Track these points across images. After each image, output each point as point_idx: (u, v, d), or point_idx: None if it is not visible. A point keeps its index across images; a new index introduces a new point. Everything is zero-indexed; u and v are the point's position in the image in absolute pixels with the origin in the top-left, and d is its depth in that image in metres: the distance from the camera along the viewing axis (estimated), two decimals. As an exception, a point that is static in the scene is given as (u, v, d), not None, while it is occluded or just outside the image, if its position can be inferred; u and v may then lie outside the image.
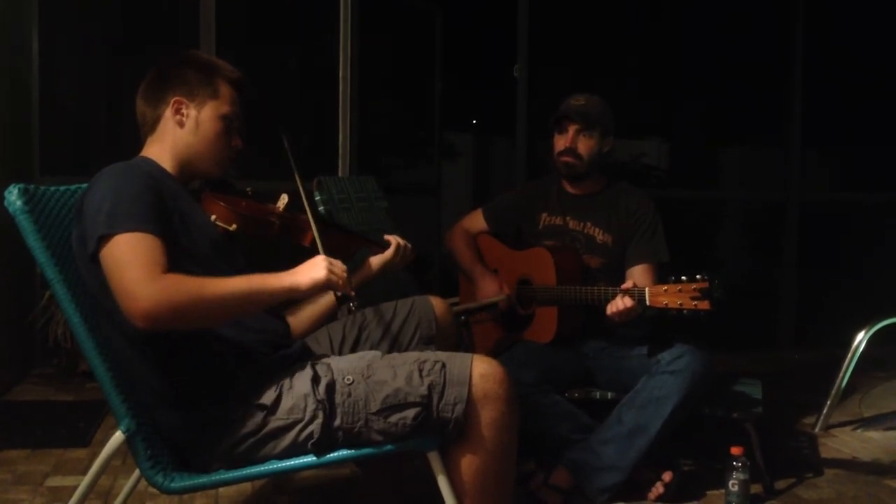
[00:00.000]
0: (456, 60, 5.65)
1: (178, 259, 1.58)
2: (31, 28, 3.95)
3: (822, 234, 5.05)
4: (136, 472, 2.01)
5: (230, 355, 1.69)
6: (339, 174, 4.03)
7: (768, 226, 5.30)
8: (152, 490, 1.70)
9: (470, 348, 2.73)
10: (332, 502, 2.51)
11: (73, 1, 4.14)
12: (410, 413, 1.62)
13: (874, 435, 3.16)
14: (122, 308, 1.51)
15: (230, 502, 2.43)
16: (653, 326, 2.53)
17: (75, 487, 1.74)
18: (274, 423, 1.65)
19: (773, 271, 5.13)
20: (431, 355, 1.70)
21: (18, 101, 3.86)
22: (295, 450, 1.66)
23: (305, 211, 1.89)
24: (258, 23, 4.45)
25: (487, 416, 1.63)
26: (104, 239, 1.54)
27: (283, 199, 1.92)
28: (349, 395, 1.65)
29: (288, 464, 1.67)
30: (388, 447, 1.66)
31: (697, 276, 2.15)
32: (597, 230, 2.65)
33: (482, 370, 1.65)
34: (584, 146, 2.61)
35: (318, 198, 2.73)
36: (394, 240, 2.09)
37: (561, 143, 2.63)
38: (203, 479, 1.68)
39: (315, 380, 1.67)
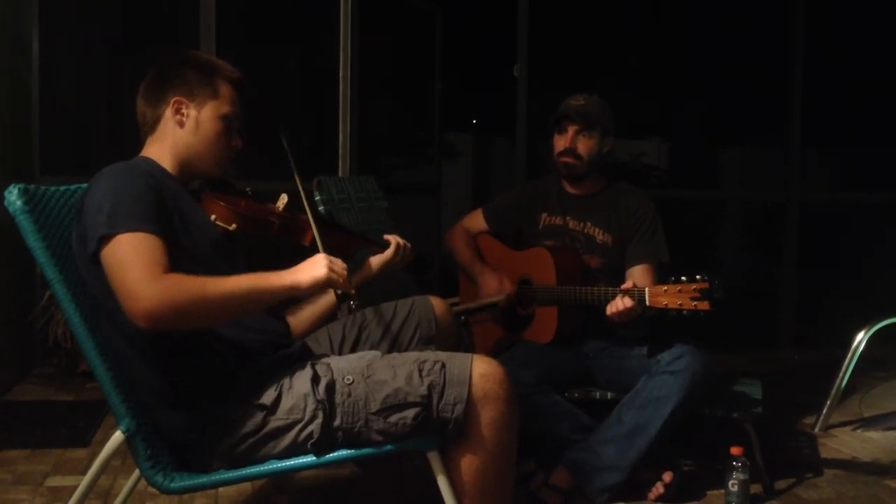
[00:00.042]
0: (456, 60, 5.65)
1: (178, 259, 1.58)
2: (31, 28, 3.95)
3: (822, 234, 5.05)
4: (136, 472, 2.01)
5: (230, 355, 1.69)
6: (339, 174, 4.03)
7: (768, 226, 5.29)
8: (152, 490, 1.70)
9: (470, 348, 2.73)
10: (332, 502, 2.51)
11: (73, 1, 4.14)
12: (410, 413, 1.62)
13: (874, 435, 3.16)
14: (124, 308, 1.51)
15: (230, 502, 2.43)
16: (653, 327, 2.53)
17: (75, 487, 1.74)
18: (274, 422, 1.65)
19: (773, 271, 5.13)
20: (431, 355, 1.70)
21: (18, 101, 3.86)
22: (295, 450, 1.66)
23: (305, 211, 1.89)
24: (258, 23, 4.45)
25: (487, 416, 1.63)
26: (105, 239, 1.54)
27: (283, 199, 1.92)
28: (349, 394, 1.65)
29: (288, 464, 1.67)
30: (388, 447, 1.66)
31: (697, 277, 2.15)
32: (597, 230, 2.65)
33: (482, 370, 1.65)
34: (584, 146, 2.61)
35: (318, 198, 2.73)
36: (394, 240, 2.09)
37: (561, 143, 2.63)
38: (203, 479, 1.68)
39: (315, 380, 1.66)
